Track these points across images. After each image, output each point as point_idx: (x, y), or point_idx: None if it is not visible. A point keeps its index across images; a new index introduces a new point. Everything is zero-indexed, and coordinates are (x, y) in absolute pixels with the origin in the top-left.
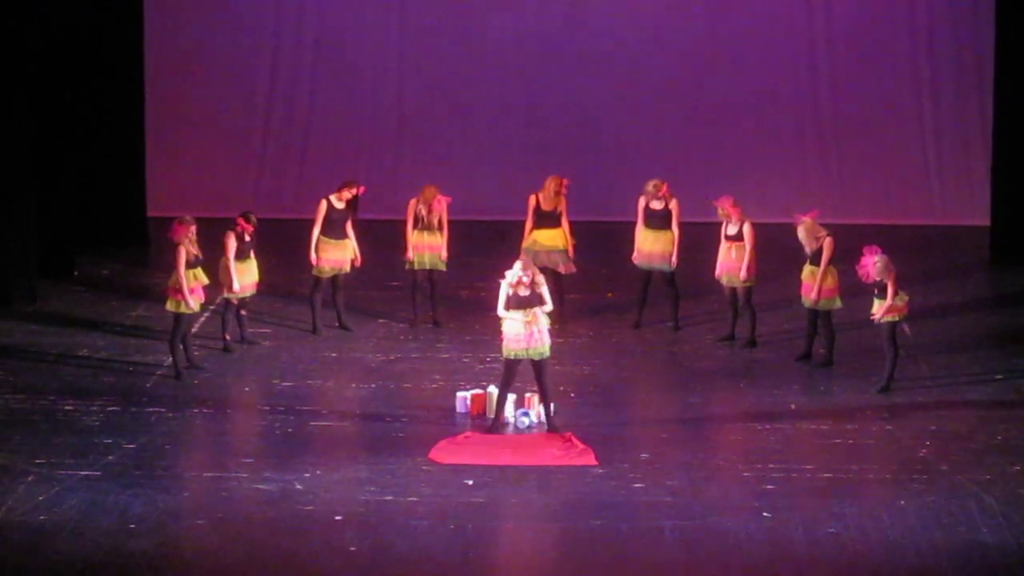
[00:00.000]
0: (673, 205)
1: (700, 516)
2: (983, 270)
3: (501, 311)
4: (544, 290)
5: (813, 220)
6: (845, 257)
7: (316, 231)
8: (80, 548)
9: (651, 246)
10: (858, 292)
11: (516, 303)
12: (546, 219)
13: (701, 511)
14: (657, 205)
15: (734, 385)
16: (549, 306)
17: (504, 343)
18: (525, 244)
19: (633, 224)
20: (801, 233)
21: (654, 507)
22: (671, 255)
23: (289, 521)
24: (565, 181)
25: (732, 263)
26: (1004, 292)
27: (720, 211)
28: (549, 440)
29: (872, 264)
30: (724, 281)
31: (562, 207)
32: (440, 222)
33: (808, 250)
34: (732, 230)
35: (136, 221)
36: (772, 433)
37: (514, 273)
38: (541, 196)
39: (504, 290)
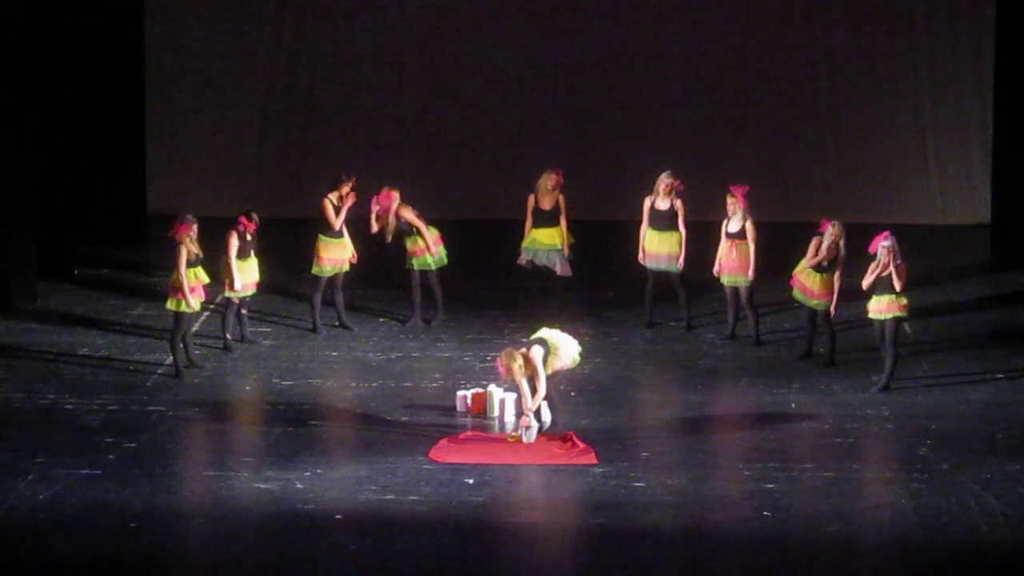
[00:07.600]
0: (678, 205)
1: (700, 515)
2: (983, 269)
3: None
4: (541, 380)
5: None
6: (843, 258)
7: (338, 225)
8: (80, 547)
9: (657, 247)
10: (858, 292)
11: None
12: (545, 218)
13: (702, 510)
14: (662, 205)
15: (735, 384)
16: (531, 403)
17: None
18: (524, 243)
19: (635, 224)
20: (827, 239)
21: (655, 506)
22: (678, 256)
23: (289, 520)
24: (558, 172)
25: (733, 262)
26: (1004, 291)
27: (730, 199)
28: (550, 439)
29: (879, 241)
30: (725, 280)
31: (561, 205)
32: (411, 225)
33: (827, 257)
34: (734, 227)
35: (136, 220)
36: (773, 432)
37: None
38: (539, 194)
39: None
